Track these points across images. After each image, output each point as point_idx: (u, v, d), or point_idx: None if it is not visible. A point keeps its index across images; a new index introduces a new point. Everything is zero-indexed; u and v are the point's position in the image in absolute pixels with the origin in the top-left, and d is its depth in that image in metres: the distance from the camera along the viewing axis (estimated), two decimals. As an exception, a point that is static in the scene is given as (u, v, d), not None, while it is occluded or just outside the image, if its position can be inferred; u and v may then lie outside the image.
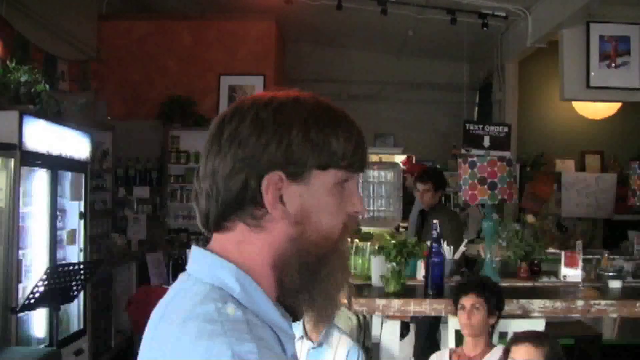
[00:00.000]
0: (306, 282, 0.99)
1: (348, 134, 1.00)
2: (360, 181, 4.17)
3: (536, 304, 3.37)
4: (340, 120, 1.00)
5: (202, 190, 1.00)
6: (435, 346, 4.45)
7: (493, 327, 3.28)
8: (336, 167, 0.98)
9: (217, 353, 0.83)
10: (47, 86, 4.93)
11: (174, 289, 1.00)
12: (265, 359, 0.85)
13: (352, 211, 1.02)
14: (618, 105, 7.63)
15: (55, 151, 4.95)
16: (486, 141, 4.09)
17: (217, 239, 1.00)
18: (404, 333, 3.91)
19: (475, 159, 3.88)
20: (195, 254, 1.01)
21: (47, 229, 4.93)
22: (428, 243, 3.68)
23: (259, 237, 0.97)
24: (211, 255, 0.98)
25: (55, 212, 5.04)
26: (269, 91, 1.03)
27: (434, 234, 3.57)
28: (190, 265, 1.01)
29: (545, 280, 3.98)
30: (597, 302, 3.39)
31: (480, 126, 4.16)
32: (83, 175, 5.62)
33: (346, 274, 1.03)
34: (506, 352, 2.87)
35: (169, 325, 0.91)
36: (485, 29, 7.37)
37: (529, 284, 3.88)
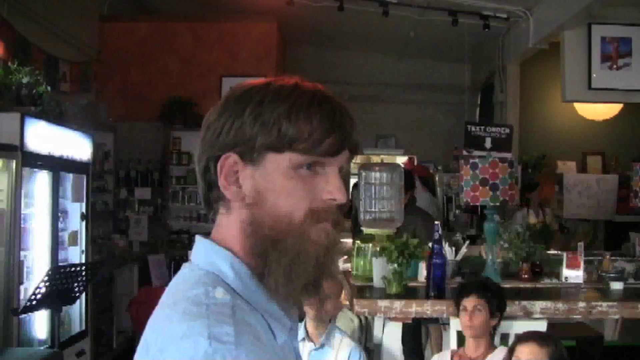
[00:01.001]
0: (267, 265, 0.96)
1: (311, 116, 0.95)
2: (363, 182, 4.17)
3: (538, 305, 3.36)
4: (305, 100, 0.96)
5: (198, 179, 1.04)
6: (419, 347, 4.45)
7: (495, 328, 3.28)
8: (293, 150, 0.95)
9: (195, 333, 0.84)
10: (49, 87, 4.94)
11: (175, 276, 1.02)
12: (243, 342, 0.84)
13: (326, 198, 0.97)
14: (619, 106, 7.62)
15: (56, 152, 4.95)
16: (488, 142, 4.08)
17: (216, 222, 1.03)
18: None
19: (476, 160, 3.87)
20: (196, 242, 1.03)
21: (48, 230, 4.94)
22: (430, 244, 3.67)
23: (231, 220, 0.99)
24: (209, 242, 1.00)
25: (57, 214, 5.05)
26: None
27: (436, 235, 3.57)
28: (192, 252, 1.03)
29: (546, 282, 3.98)
30: (598, 303, 3.39)
31: (482, 127, 4.15)
32: (84, 177, 5.63)
33: (310, 260, 0.96)
34: (510, 352, 2.87)
35: (162, 308, 0.94)
36: (486, 30, 7.37)
37: (531, 285, 3.88)
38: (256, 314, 0.93)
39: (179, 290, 0.94)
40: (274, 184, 0.96)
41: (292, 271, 0.95)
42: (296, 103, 0.95)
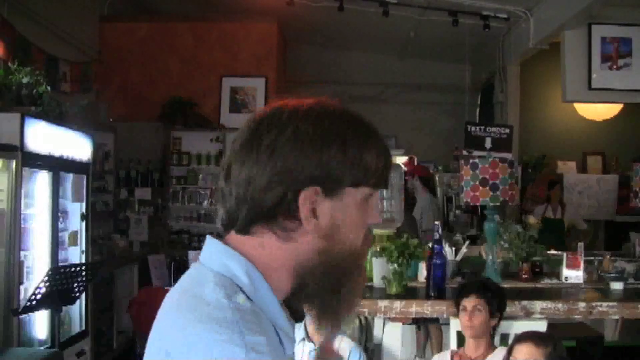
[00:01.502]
0: (327, 290, 1.00)
1: (379, 151, 1.01)
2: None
3: (538, 305, 3.36)
4: (372, 136, 1.02)
5: (232, 193, 1.00)
6: None
7: (494, 328, 3.28)
8: (366, 184, 1.00)
9: (228, 340, 0.85)
10: (49, 88, 4.94)
11: (184, 277, 1.02)
12: (274, 353, 0.87)
13: (370, 222, 1.04)
14: (620, 106, 7.63)
15: (57, 152, 4.95)
16: (488, 143, 4.08)
17: (236, 237, 1.01)
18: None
19: (476, 160, 3.87)
20: (208, 243, 1.02)
21: (48, 231, 4.93)
22: (430, 245, 3.67)
23: (283, 246, 0.99)
24: (224, 246, 1.00)
25: (57, 214, 5.04)
26: (299, 99, 1.03)
27: (436, 235, 3.57)
28: (202, 253, 1.02)
29: (546, 282, 3.98)
30: (598, 303, 3.39)
31: (482, 127, 4.15)
32: (85, 177, 5.62)
33: (364, 284, 1.06)
34: (509, 352, 2.87)
35: (179, 311, 0.93)
36: (487, 30, 7.37)
37: (531, 285, 3.88)
38: (270, 324, 0.95)
39: (194, 293, 0.94)
40: (349, 216, 0.99)
41: (355, 295, 1.04)
42: (370, 140, 1.01)
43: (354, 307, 1.05)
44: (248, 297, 0.94)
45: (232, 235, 1.02)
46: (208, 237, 1.03)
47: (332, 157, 0.96)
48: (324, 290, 1.01)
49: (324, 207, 0.97)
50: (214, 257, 0.99)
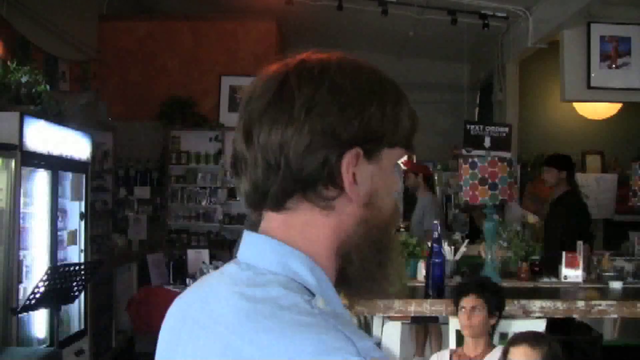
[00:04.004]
0: (372, 267, 0.91)
1: (410, 110, 0.92)
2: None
3: (537, 304, 3.36)
4: (403, 95, 0.93)
5: (257, 161, 0.86)
6: None
7: (493, 327, 3.28)
8: (401, 145, 0.92)
9: (339, 348, 0.72)
10: (48, 87, 4.94)
11: (222, 275, 0.89)
12: (382, 357, 0.77)
13: (397, 190, 0.95)
14: (619, 105, 7.62)
15: (55, 151, 4.95)
16: (487, 142, 4.09)
17: (275, 219, 0.88)
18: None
19: (475, 159, 3.88)
20: (252, 239, 0.89)
21: (47, 230, 4.93)
22: (429, 244, 3.68)
23: (326, 220, 0.87)
24: (277, 242, 0.86)
25: (56, 213, 5.04)
26: (318, 53, 0.94)
27: (435, 234, 3.57)
28: (244, 252, 0.89)
29: (545, 281, 3.98)
30: (597, 302, 3.39)
31: (481, 126, 4.16)
32: (84, 176, 5.63)
33: (401, 257, 0.97)
34: (505, 354, 2.87)
35: (248, 318, 0.78)
36: (486, 29, 7.37)
37: (530, 284, 3.88)
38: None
39: (256, 297, 0.80)
40: (385, 181, 0.91)
41: (396, 267, 0.94)
42: (403, 97, 0.92)
43: (398, 277, 0.96)
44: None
45: (270, 216, 0.89)
46: (246, 232, 0.90)
47: (372, 115, 0.86)
48: (371, 266, 0.91)
49: (364, 172, 0.87)
50: (266, 256, 0.86)
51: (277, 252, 0.86)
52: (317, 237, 0.87)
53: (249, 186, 0.88)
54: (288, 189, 0.85)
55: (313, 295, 0.82)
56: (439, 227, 3.63)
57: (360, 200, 0.87)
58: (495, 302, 3.22)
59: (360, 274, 0.90)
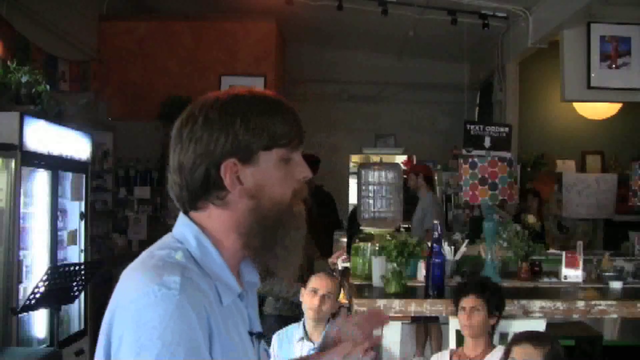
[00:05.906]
0: (268, 241, 1.21)
1: (283, 117, 1.20)
2: (362, 181, 4.17)
3: (537, 304, 3.36)
4: (274, 106, 1.21)
5: (175, 180, 1.21)
6: None
7: (493, 327, 3.28)
8: (278, 147, 1.19)
9: (148, 279, 1.06)
10: (48, 87, 4.93)
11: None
12: (185, 288, 1.05)
13: (301, 177, 1.24)
14: (619, 105, 7.63)
15: (55, 151, 4.95)
16: (487, 142, 4.09)
17: (192, 214, 1.23)
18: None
19: (475, 159, 3.87)
20: (179, 218, 1.24)
21: (47, 230, 4.93)
22: (429, 243, 3.67)
23: (224, 212, 1.19)
24: (185, 218, 1.22)
25: (56, 213, 5.04)
26: (213, 92, 1.24)
27: (435, 234, 3.56)
28: (175, 226, 1.25)
29: (545, 281, 3.98)
30: (597, 302, 3.39)
31: (481, 126, 4.16)
32: (84, 176, 5.62)
33: (302, 230, 1.25)
34: (507, 353, 2.87)
35: (135, 265, 1.15)
36: (486, 29, 7.37)
37: (530, 284, 3.88)
38: (208, 278, 1.13)
39: (151, 253, 1.16)
40: (269, 175, 1.19)
41: (293, 240, 1.23)
42: (272, 110, 1.20)
43: (300, 253, 1.25)
44: (192, 256, 1.14)
45: (191, 213, 1.23)
46: (180, 214, 1.24)
47: (237, 130, 1.16)
48: (268, 243, 1.20)
49: (245, 173, 1.17)
50: (177, 227, 1.22)
51: (180, 224, 1.22)
52: (218, 223, 1.20)
53: (175, 200, 1.24)
54: (193, 197, 1.20)
55: (189, 253, 1.15)
56: (440, 227, 3.62)
57: (248, 194, 1.18)
58: (495, 302, 3.21)
59: (259, 245, 1.20)
